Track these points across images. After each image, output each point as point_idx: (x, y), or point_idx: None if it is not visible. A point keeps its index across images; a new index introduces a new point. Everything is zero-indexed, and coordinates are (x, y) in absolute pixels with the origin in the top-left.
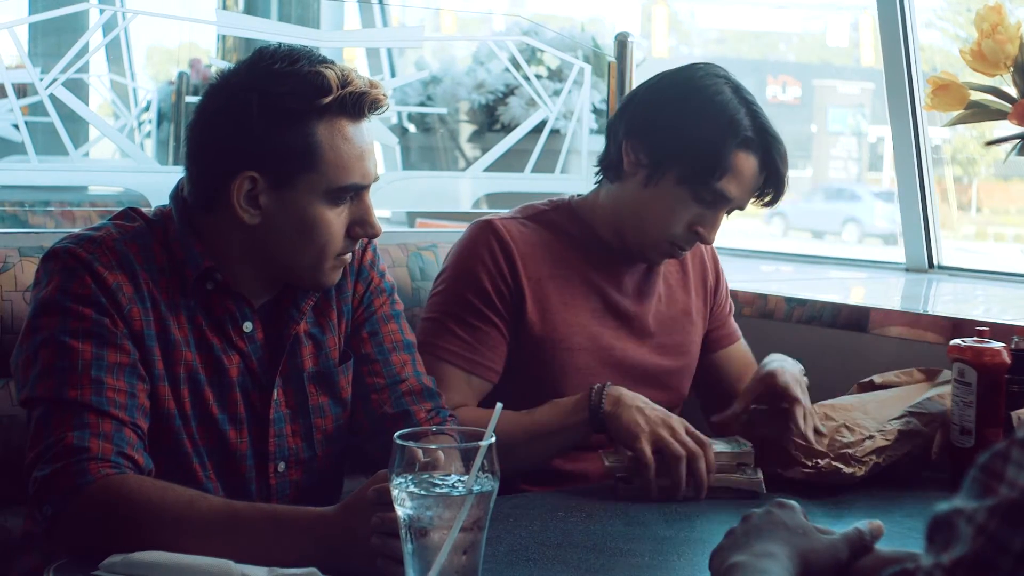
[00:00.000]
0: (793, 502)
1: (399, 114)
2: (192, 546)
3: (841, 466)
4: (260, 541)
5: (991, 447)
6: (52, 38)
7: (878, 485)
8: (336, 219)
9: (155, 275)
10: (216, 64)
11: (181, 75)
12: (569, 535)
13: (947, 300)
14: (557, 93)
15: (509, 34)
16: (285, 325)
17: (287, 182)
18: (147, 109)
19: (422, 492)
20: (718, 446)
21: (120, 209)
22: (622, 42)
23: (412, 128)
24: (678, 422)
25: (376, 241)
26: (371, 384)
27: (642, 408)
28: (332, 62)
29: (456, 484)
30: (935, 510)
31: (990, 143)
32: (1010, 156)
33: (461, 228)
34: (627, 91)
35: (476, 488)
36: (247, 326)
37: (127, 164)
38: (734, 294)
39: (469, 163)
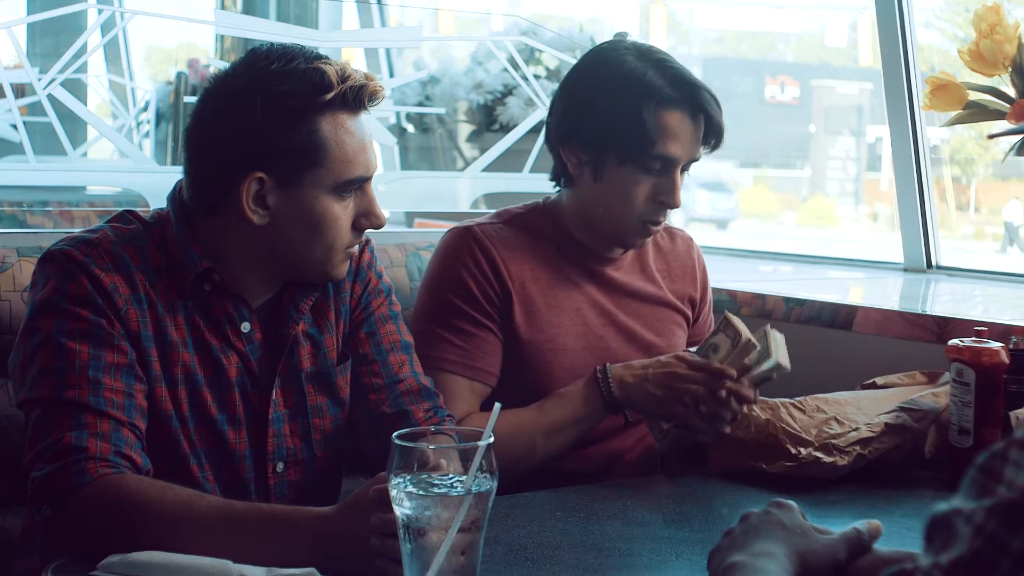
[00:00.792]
0: (791, 502)
1: (397, 114)
2: (190, 546)
3: (822, 456)
4: (258, 541)
5: (989, 447)
6: (50, 38)
7: (876, 485)
8: (343, 212)
9: (152, 276)
10: (214, 64)
11: (179, 75)
12: (568, 535)
13: (945, 300)
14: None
15: (507, 34)
16: (283, 325)
17: (294, 180)
18: (145, 109)
19: (420, 492)
20: (719, 352)
21: (117, 212)
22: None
23: (410, 128)
24: (677, 364)
25: (374, 242)
26: (369, 384)
27: (646, 378)
28: (327, 57)
29: (455, 484)
30: (933, 510)
31: (993, 136)
32: (1008, 156)
33: None
34: None
35: (475, 488)
36: (245, 326)
37: (125, 164)
38: (733, 294)
39: (467, 163)
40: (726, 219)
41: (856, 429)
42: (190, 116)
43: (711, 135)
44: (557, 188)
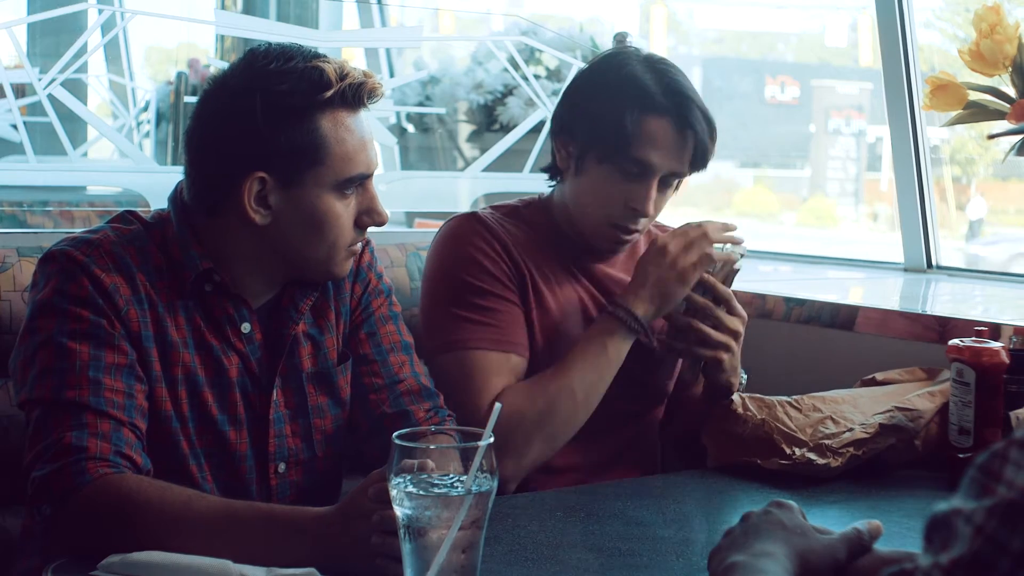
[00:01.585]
0: (792, 502)
1: (397, 114)
2: (190, 546)
3: (815, 457)
4: (258, 541)
5: (989, 447)
6: (51, 38)
7: (876, 485)
8: (345, 211)
9: (152, 277)
10: (215, 64)
11: (180, 75)
12: (567, 535)
13: (945, 300)
14: (556, 93)
15: (508, 34)
16: (284, 325)
17: (296, 179)
18: (145, 109)
19: (420, 492)
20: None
21: (117, 212)
22: (620, 42)
23: (410, 128)
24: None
25: (374, 242)
26: (369, 384)
27: (665, 283)
28: (325, 56)
29: (455, 484)
30: (933, 510)
31: (993, 136)
32: (1008, 156)
33: None
34: None
35: (475, 488)
36: (245, 327)
37: (126, 164)
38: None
39: (468, 163)
40: None
41: (851, 430)
42: (190, 117)
43: (695, 155)
44: (552, 182)
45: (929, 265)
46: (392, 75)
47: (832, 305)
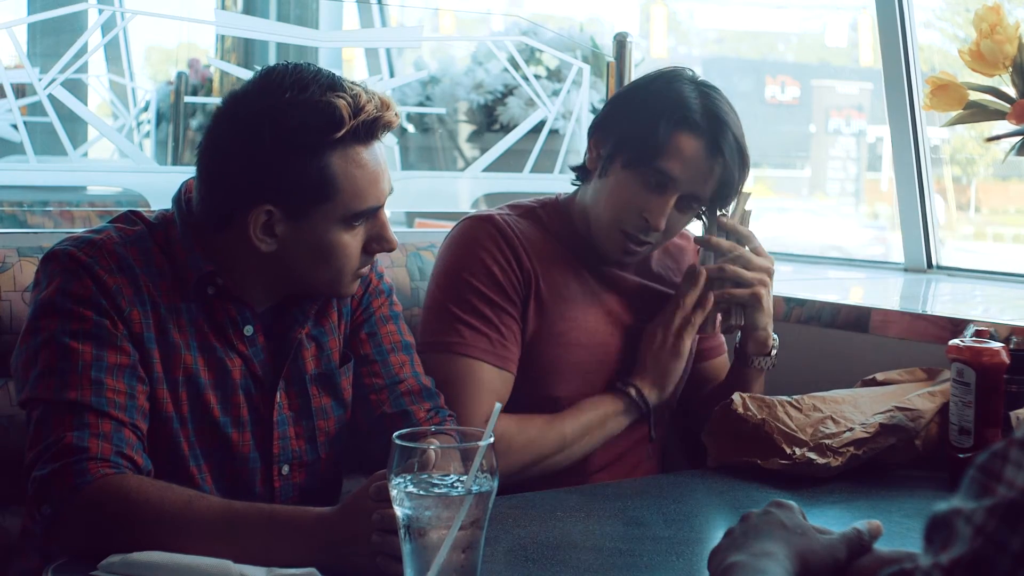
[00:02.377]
0: (792, 502)
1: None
2: (191, 546)
3: (815, 457)
4: (259, 541)
5: (989, 447)
6: (51, 38)
7: (876, 485)
8: (353, 240)
9: (155, 278)
10: (215, 64)
11: (180, 75)
12: (568, 535)
13: (946, 300)
14: (556, 93)
15: (508, 34)
16: (288, 328)
17: (303, 213)
18: (146, 109)
19: (421, 492)
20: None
21: (120, 211)
22: (621, 42)
23: (411, 128)
24: (668, 321)
25: None
26: (370, 385)
27: (663, 360)
28: (342, 85)
29: (455, 484)
30: (933, 510)
31: (991, 139)
32: (1009, 156)
33: None
34: None
35: (475, 488)
36: (248, 330)
37: (126, 164)
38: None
39: (468, 163)
40: None
41: (851, 429)
42: (203, 134)
43: (721, 184)
44: (576, 182)
45: (929, 265)
46: (392, 75)
47: (833, 305)
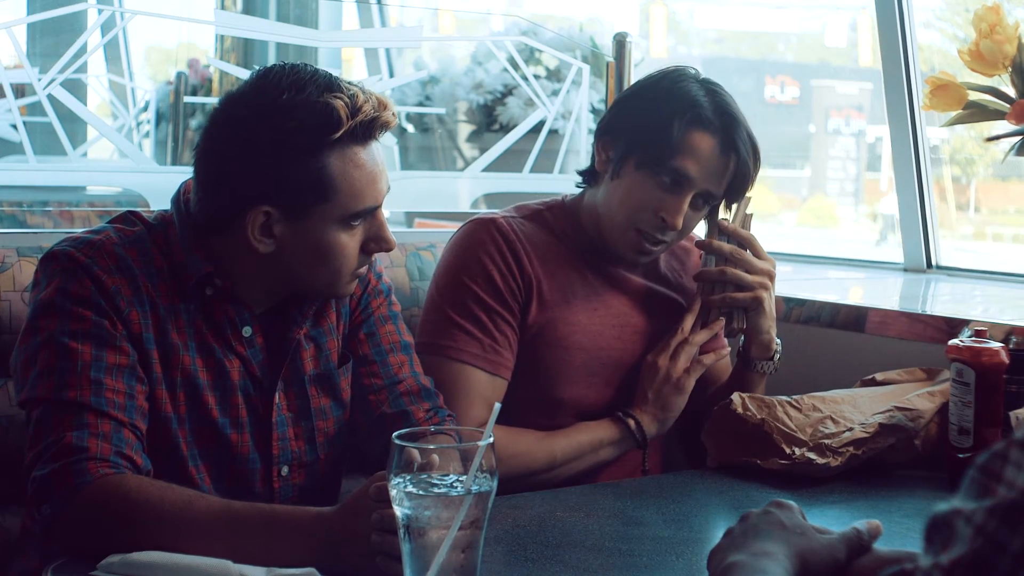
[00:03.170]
0: (791, 502)
1: (397, 114)
2: (190, 546)
3: (815, 457)
4: (258, 541)
5: (989, 448)
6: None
7: (876, 485)
8: (351, 240)
9: (154, 279)
10: (214, 64)
11: (179, 75)
12: (567, 535)
13: (945, 300)
14: (555, 93)
15: (507, 34)
16: (287, 329)
17: (301, 213)
18: (145, 109)
19: (420, 492)
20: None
21: (119, 211)
22: (620, 42)
23: (410, 128)
24: (667, 354)
25: None
26: (369, 385)
27: (665, 394)
28: (339, 86)
29: (454, 484)
30: (933, 510)
31: (990, 139)
32: (1008, 156)
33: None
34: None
35: (474, 488)
36: (247, 330)
37: (125, 164)
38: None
39: (467, 163)
40: None
41: (850, 429)
42: (200, 135)
43: (735, 180)
44: (583, 185)
45: (929, 265)
46: (392, 75)
47: (832, 305)
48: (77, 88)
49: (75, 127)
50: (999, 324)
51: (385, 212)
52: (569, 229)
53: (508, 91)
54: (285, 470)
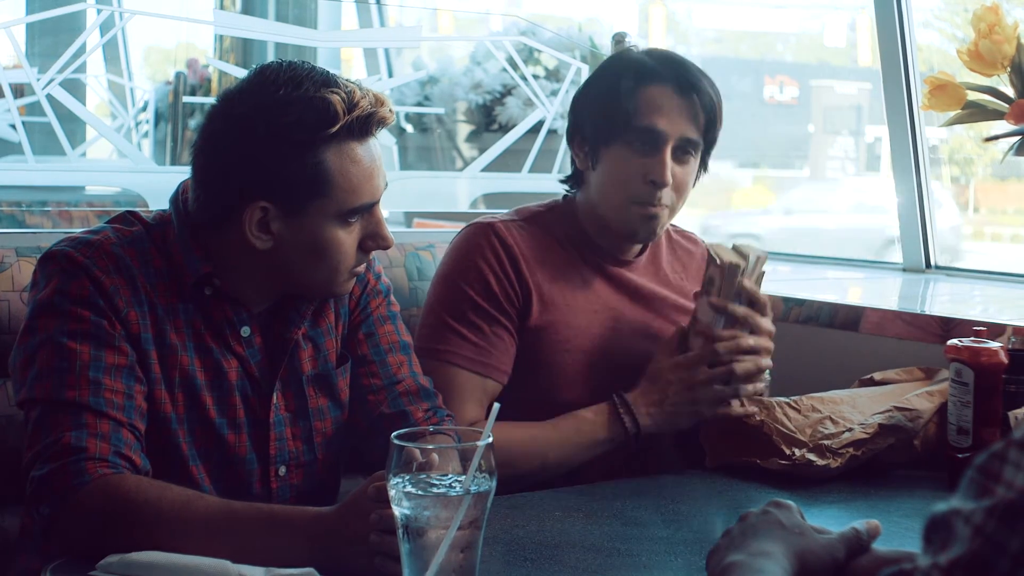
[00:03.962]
0: (790, 502)
1: (396, 114)
2: (189, 546)
3: (815, 458)
4: (257, 541)
5: (988, 448)
6: (49, 38)
7: (875, 485)
8: (348, 237)
9: (153, 280)
10: (213, 64)
11: (178, 75)
12: (566, 535)
13: (944, 300)
14: (554, 93)
15: (506, 34)
16: (285, 329)
17: (298, 209)
18: (144, 109)
19: (419, 492)
20: (715, 285)
21: (118, 211)
22: (619, 42)
23: (409, 128)
24: (687, 370)
25: None
26: (368, 385)
27: (667, 404)
28: (336, 81)
29: (453, 484)
30: (932, 510)
31: (989, 139)
32: (1007, 156)
33: (459, 228)
34: None
35: (473, 488)
36: (245, 331)
37: (124, 164)
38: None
39: (466, 163)
40: None
41: (850, 430)
42: (197, 132)
43: (707, 118)
44: (571, 191)
45: (928, 265)
46: (391, 75)
47: (831, 305)
48: (76, 88)
49: (74, 127)
50: (998, 324)
51: (384, 212)
52: (570, 230)
53: (507, 91)
54: (283, 470)
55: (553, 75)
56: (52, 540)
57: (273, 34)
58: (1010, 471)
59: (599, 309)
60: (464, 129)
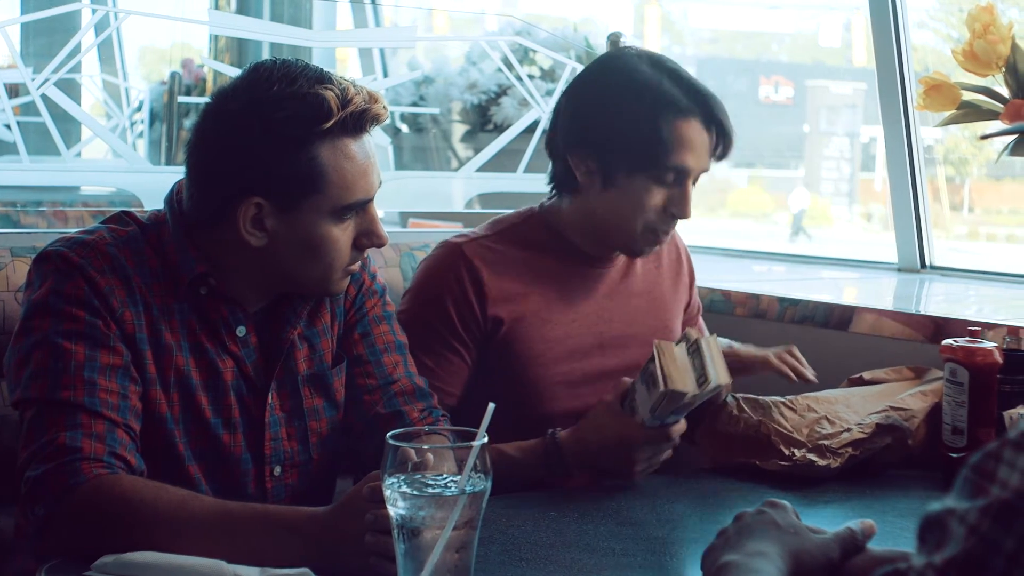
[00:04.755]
0: (785, 502)
1: (392, 114)
2: (185, 546)
3: (816, 458)
4: (253, 541)
5: (983, 447)
6: (44, 38)
7: (870, 484)
8: (342, 234)
9: (148, 280)
10: (208, 64)
11: (173, 75)
12: (562, 535)
13: (939, 300)
14: (550, 93)
15: (502, 34)
16: (281, 329)
17: (292, 205)
18: (139, 109)
19: (414, 492)
20: (652, 397)
21: (113, 211)
22: (614, 42)
23: (405, 128)
24: (629, 441)
25: None
26: (363, 385)
27: (596, 455)
28: (331, 78)
29: (448, 484)
30: (927, 510)
31: (986, 136)
32: (1002, 156)
33: (454, 228)
34: None
35: (468, 488)
36: (241, 331)
37: (119, 164)
38: (727, 294)
39: (462, 163)
40: None
41: (848, 430)
42: (191, 131)
43: (721, 144)
44: (554, 194)
45: (923, 265)
46: (386, 75)
47: (826, 305)
48: (71, 88)
49: (69, 127)
50: (993, 324)
51: (379, 212)
52: (547, 239)
53: (502, 91)
54: (278, 470)
55: (548, 75)
56: (47, 540)
57: (268, 34)
58: (1004, 471)
59: (574, 319)
60: (459, 129)
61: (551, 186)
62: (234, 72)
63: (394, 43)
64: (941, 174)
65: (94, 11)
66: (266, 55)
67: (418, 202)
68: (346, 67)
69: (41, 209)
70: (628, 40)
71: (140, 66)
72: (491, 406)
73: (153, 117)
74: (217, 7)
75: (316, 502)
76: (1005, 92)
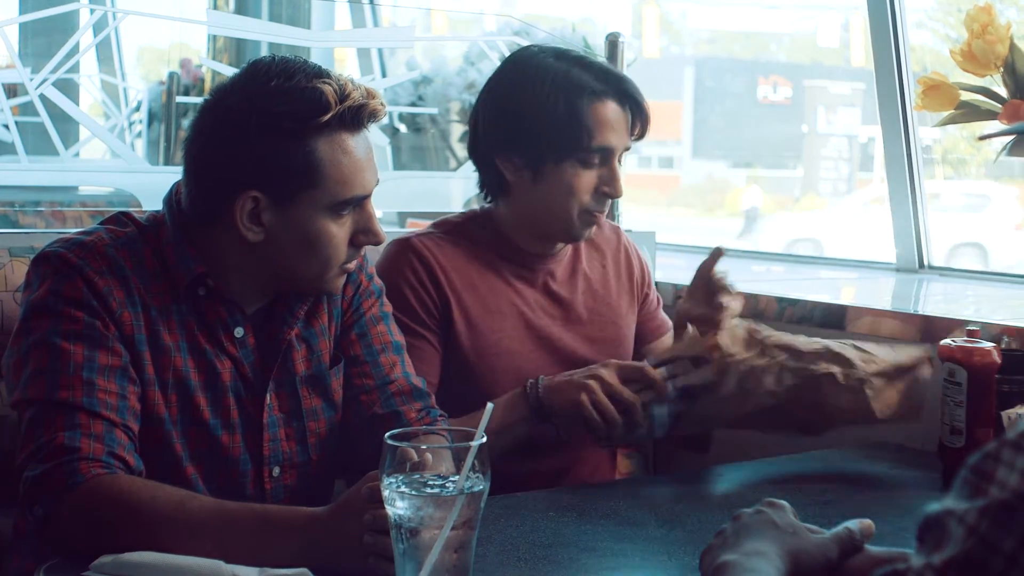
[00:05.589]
0: (783, 502)
1: (390, 114)
2: (183, 546)
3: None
4: (251, 541)
5: (982, 448)
6: (42, 38)
7: (868, 485)
8: (339, 231)
9: (146, 280)
10: (207, 64)
11: (172, 75)
12: (560, 535)
13: (937, 300)
14: None
15: (500, 34)
16: (278, 330)
17: (289, 199)
18: (137, 109)
19: (413, 492)
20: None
21: (112, 211)
22: (613, 42)
23: (403, 128)
24: (602, 370)
25: None
26: (360, 385)
27: (571, 380)
28: (328, 74)
29: (447, 484)
30: (926, 510)
31: (984, 136)
32: (1000, 156)
33: None
34: None
35: (467, 488)
36: (239, 331)
37: (117, 164)
38: None
39: (460, 163)
40: None
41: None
42: (188, 128)
43: (639, 121)
44: (488, 200)
45: (921, 265)
46: (384, 75)
47: (825, 305)
48: (69, 88)
49: (67, 127)
50: (991, 324)
51: (377, 212)
52: (489, 238)
53: None
54: (276, 471)
55: None
56: (46, 540)
57: (266, 34)
58: (1003, 471)
59: (524, 310)
60: (458, 129)
61: (483, 193)
62: (232, 72)
63: (392, 43)
64: (940, 174)
65: (92, 11)
66: (264, 55)
67: (416, 202)
68: (344, 67)
69: (39, 209)
70: (626, 41)
71: (138, 66)
72: (490, 406)
73: (151, 117)
74: (215, 7)
75: (315, 502)
76: (1003, 92)
